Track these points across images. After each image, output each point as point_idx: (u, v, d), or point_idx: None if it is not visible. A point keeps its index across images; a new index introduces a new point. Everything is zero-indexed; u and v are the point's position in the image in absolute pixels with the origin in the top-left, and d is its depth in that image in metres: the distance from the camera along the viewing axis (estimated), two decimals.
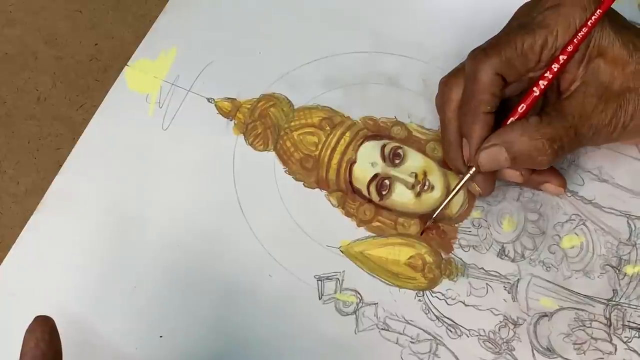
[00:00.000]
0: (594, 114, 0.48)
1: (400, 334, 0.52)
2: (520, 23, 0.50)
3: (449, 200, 0.53)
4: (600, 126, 0.49)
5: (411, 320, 0.52)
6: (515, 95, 0.52)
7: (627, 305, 0.51)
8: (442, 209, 0.54)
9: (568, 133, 0.48)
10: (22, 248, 0.57)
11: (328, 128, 0.59)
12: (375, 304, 0.53)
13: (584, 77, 0.49)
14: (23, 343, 0.43)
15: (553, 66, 0.49)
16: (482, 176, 0.52)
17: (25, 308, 0.50)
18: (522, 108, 0.50)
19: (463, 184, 0.53)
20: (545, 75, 0.49)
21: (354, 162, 0.57)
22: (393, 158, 0.57)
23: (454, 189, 0.53)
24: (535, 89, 0.50)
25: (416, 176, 0.56)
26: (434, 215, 0.54)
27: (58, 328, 0.44)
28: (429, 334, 0.52)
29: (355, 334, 0.52)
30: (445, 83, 0.53)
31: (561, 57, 0.49)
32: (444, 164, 0.56)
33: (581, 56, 0.49)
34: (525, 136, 0.48)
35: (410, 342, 0.52)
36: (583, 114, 0.48)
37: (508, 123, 0.50)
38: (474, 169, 0.51)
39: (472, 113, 0.50)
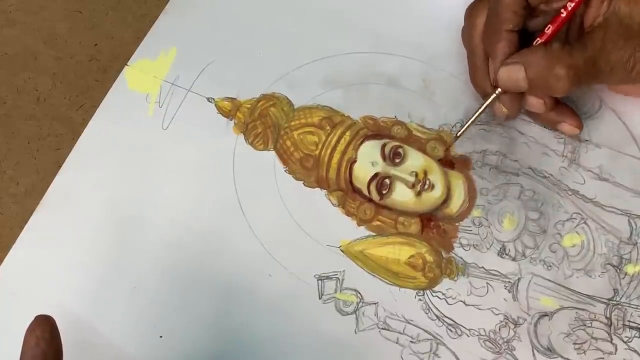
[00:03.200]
0: (613, 50, 0.49)
1: (401, 333, 0.52)
2: None
3: (474, 120, 0.54)
4: (619, 63, 0.49)
5: (411, 320, 0.52)
6: (539, 29, 0.53)
7: (627, 304, 0.51)
8: (467, 126, 0.54)
9: (586, 63, 0.49)
10: (22, 248, 0.57)
11: (328, 127, 0.59)
12: (375, 303, 0.53)
13: (606, 14, 0.50)
14: (24, 342, 0.43)
15: None
16: (508, 97, 0.53)
17: (25, 308, 0.50)
18: (548, 29, 0.51)
19: (490, 103, 0.53)
20: None
21: (354, 161, 0.57)
22: (393, 157, 0.57)
23: (479, 109, 0.54)
24: (563, 11, 0.51)
25: (416, 175, 0.56)
26: (459, 133, 0.55)
27: (58, 328, 0.44)
28: (429, 333, 0.52)
29: (356, 333, 0.52)
30: (471, 10, 0.55)
31: None
32: (444, 162, 0.56)
33: None
34: (545, 59, 0.49)
35: (411, 341, 0.52)
36: (603, 48, 0.49)
37: (534, 44, 0.52)
38: (499, 89, 0.52)
39: (496, 31, 0.52)
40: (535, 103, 0.53)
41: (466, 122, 0.54)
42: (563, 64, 0.49)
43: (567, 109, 0.55)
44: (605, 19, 0.50)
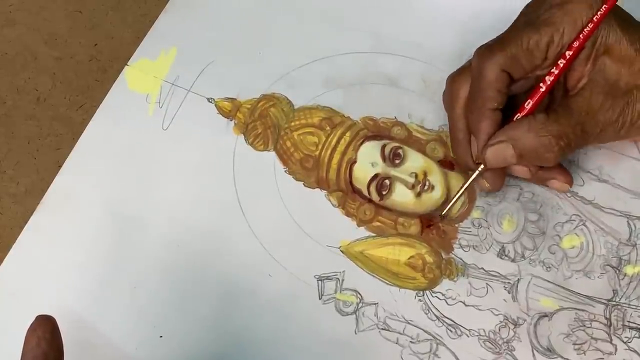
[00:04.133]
0: (601, 111, 0.48)
1: (401, 334, 0.52)
2: (526, 20, 0.50)
3: (458, 197, 0.53)
4: (608, 123, 0.48)
5: (411, 320, 0.52)
6: (522, 92, 0.52)
7: (627, 305, 0.51)
8: (450, 206, 0.53)
9: (575, 130, 0.48)
10: (22, 248, 0.57)
11: (328, 128, 0.59)
12: (375, 303, 0.53)
13: (590, 75, 0.49)
14: (25, 342, 0.43)
15: (559, 62, 0.49)
16: (491, 172, 0.52)
17: (25, 308, 0.50)
18: (528, 104, 0.50)
19: (472, 181, 0.52)
20: (552, 71, 0.49)
21: (354, 162, 0.57)
22: (393, 158, 0.57)
23: (462, 186, 0.53)
24: (541, 84, 0.50)
25: (416, 176, 0.56)
26: (443, 212, 0.54)
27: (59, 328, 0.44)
28: (429, 334, 0.52)
29: (356, 333, 0.52)
30: (453, 80, 0.53)
31: (567, 53, 0.49)
32: (444, 163, 0.56)
33: (588, 53, 0.49)
34: (532, 132, 0.48)
35: (411, 342, 0.52)
36: (590, 111, 0.48)
37: (515, 119, 0.50)
38: (482, 165, 0.51)
39: (479, 110, 0.50)
40: (520, 171, 0.52)
41: (450, 201, 0.53)
42: (551, 135, 0.48)
43: (556, 166, 0.53)
44: (590, 80, 0.49)
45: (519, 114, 0.50)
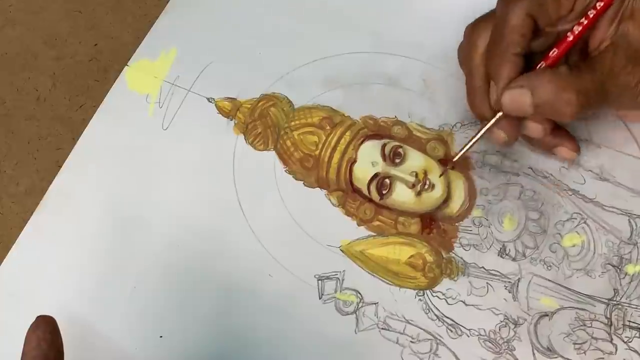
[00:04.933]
0: (622, 74, 0.47)
1: (401, 333, 0.52)
2: None
3: (473, 144, 0.52)
4: (627, 87, 0.48)
5: (411, 320, 0.52)
6: (540, 52, 0.51)
7: (627, 304, 0.51)
8: (465, 150, 0.53)
9: (595, 87, 0.47)
10: (22, 248, 0.57)
11: (328, 127, 0.59)
12: (375, 303, 0.53)
13: (613, 38, 0.48)
14: (25, 342, 0.43)
15: (589, 12, 0.48)
16: (507, 121, 0.51)
17: (25, 308, 0.50)
18: (553, 52, 0.49)
19: (489, 127, 0.51)
20: (581, 21, 0.49)
21: (354, 161, 0.57)
22: (393, 157, 0.57)
23: (477, 132, 0.52)
24: (569, 34, 0.49)
25: (417, 175, 0.56)
26: (458, 155, 0.53)
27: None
28: (430, 333, 0.52)
29: (356, 333, 0.52)
30: (472, 29, 0.53)
31: (598, 4, 0.48)
32: (444, 162, 0.56)
33: (613, 15, 0.48)
34: (553, 84, 0.47)
35: (411, 341, 0.52)
36: (612, 72, 0.47)
37: (538, 67, 0.50)
38: (500, 113, 0.50)
39: (502, 53, 0.49)
40: (534, 128, 0.51)
41: (463, 147, 0.53)
42: (572, 89, 0.47)
43: (564, 132, 0.54)
44: (613, 42, 0.48)
45: (542, 63, 0.50)
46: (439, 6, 0.63)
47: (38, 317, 0.45)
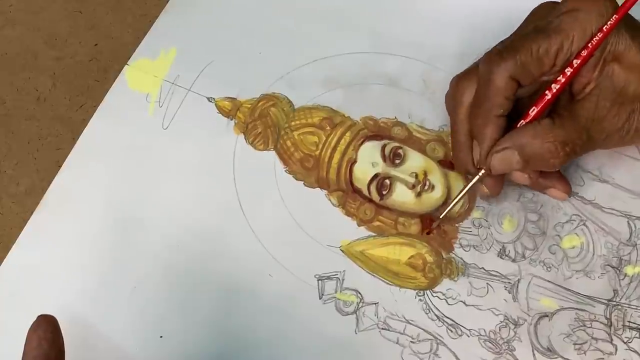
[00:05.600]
0: (607, 118, 0.48)
1: (401, 333, 0.52)
2: (536, 27, 0.49)
3: (457, 202, 0.53)
4: (613, 130, 0.48)
5: (412, 320, 0.52)
6: (526, 96, 0.51)
7: (627, 305, 0.51)
8: (449, 210, 0.53)
9: (580, 136, 0.48)
10: (22, 248, 0.57)
11: (328, 128, 0.59)
12: (375, 303, 0.53)
13: (598, 81, 0.48)
14: (26, 342, 0.43)
15: (566, 70, 0.48)
16: (491, 178, 0.52)
17: (25, 308, 0.50)
18: (533, 111, 0.49)
19: (472, 186, 0.52)
20: (559, 79, 0.49)
21: (355, 162, 0.57)
22: (393, 158, 0.57)
23: (461, 191, 0.52)
24: (547, 92, 0.49)
25: (416, 176, 0.56)
26: (441, 216, 0.54)
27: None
28: (430, 333, 0.52)
29: (356, 333, 0.52)
30: (457, 84, 0.53)
31: (575, 62, 0.48)
32: (444, 163, 0.56)
33: (596, 60, 0.48)
34: (538, 139, 0.48)
35: (411, 341, 0.52)
36: (596, 118, 0.48)
37: (519, 126, 0.50)
38: (483, 171, 0.51)
39: (485, 115, 0.50)
40: (520, 177, 0.52)
41: (449, 205, 0.53)
42: (557, 141, 0.48)
43: (554, 173, 0.54)
44: (597, 86, 0.48)
45: (522, 121, 0.50)
46: (439, 6, 0.63)
47: (39, 316, 0.45)
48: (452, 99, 0.53)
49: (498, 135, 0.50)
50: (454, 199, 0.53)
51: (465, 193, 0.52)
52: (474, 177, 0.52)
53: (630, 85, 0.48)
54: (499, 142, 0.49)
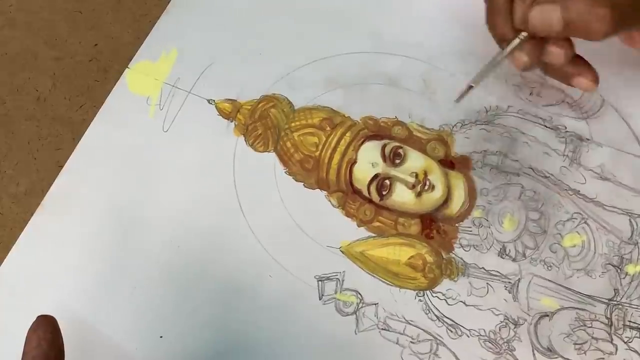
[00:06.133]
0: None
1: (401, 334, 0.52)
2: None
3: (493, 67, 0.50)
4: None
5: (411, 321, 0.52)
6: None
7: (628, 305, 0.51)
8: (487, 71, 0.50)
9: (631, 2, 0.45)
10: (22, 248, 0.57)
11: (328, 128, 0.59)
12: (375, 304, 0.53)
13: None
14: (26, 342, 0.43)
15: None
16: (531, 43, 0.49)
17: (25, 308, 0.50)
18: None
19: (512, 50, 0.49)
20: None
21: (355, 162, 0.57)
22: (393, 158, 0.57)
23: (498, 55, 0.50)
24: None
25: (417, 176, 0.56)
26: (476, 77, 0.50)
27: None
28: (430, 334, 0.52)
29: (356, 334, 0.52)
30: None
31: None
32: (444, 162, 0.56)
33: None
34: None
35: (411, 342, 0.52)
36: None
37: None
38: (524, 33, 0.48)
39: None
40: (556, 53, 0.49)
41: (482, 70, 0.50)
42: (606, 3, 0.44)
43: (583, 62, 0.51)
44: None
45: None
46: (439, 6, 0.63)
47: (39, 316, 0.45)
48: None
49: None
50: (490, 63, 0.50)
51: (503, 57, 0.49)
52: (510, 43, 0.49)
53: None
54: None
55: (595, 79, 0.51)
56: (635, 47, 0.53)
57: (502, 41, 0.50)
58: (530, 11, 0.47)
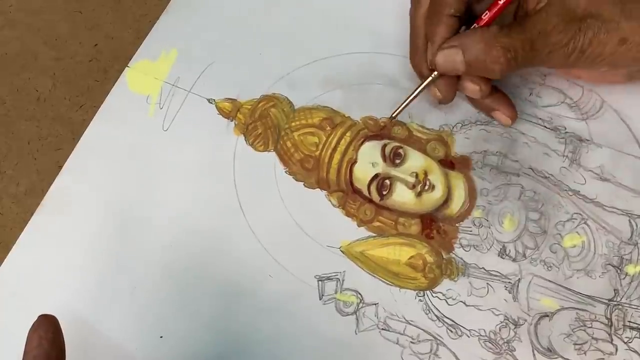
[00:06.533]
0: (553, 33, 0.49)
1: (401, 334, 0.52)
2: None
3: (411, 100, 0.55)
4: (558, 46, 0.49)
5: (412, 321, 0.52)
6: (483, 13, 0.53)
7: (628, 305, 0.51)
8: (403, 107, 0.56)
9: (524, 45, 0.49)
10: (22, 248, 0.57)
11: (328, 128, 0.59)
12: (375, 304, 0.53)
13: None
14: (27, 342, 0.43)
15: None
16: (444, 81, 0.54)
17: (25, 308, 0.50)
18: (485, 15, 0.52)
19: (424, 87, 0.54)
20: None
21: (355, 162, 0.57)
22: (394, 158, 0.57)
23: (415, 90, 0.55)
24: None
25: (417, 176, 0.56)
26: (393, 114, 0.56)
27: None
28: (430, 334, 0.52)
29: (356, 334, 0.52)
30: None
31: None
32: (444, 162, 0.56)
33: None
34: (482, 42, 0.49)
35: (411, 342, 0.52)
36: (542, 31, 0.49)
37: (471, 29, 0.52)
38: (436, 72, 0.53)
39: (437, 15, 0.52)
40: (471, 88, 0.53)
41: (400, 104, 0.55)
42: (500, 46, 0.49)
43: (503, 97, 0.56)
44: (548, 2, 0.49)
45: (475, 25, 0.52)
46: None
47: (40, 316, 0.45)
48: (412, 6, 0.55)
49: (449, 35, 0.52)
50: (408, 96, 0.55)
51: (418, 93, 0.55)
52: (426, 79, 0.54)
53: (580, 5, 0.48)
54: (447, 41, 0.51)
55: (512, 115, 0.57)
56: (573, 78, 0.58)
57: (421, 77, 0.56)
58: (436, 55, 0.52)
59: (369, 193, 0.56)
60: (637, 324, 0.51)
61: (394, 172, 0.56)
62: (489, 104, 0.56)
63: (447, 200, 0.55)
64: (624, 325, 0.51)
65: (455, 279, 0.53)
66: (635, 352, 0.50)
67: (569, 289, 0.52)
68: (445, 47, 0.51)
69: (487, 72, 0.51)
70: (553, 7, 0.49)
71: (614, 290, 0.52)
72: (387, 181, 0.56)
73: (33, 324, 0.44)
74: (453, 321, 0.52)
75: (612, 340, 0.50)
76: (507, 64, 0.49)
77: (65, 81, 0.64)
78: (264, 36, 0.64)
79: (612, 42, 0.49)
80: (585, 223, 0.54)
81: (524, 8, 0.53)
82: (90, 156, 0.60)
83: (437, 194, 0.56)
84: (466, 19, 0.53)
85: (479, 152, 0.56)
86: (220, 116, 0.61)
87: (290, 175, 0.58)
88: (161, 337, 0.53)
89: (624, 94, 0.57)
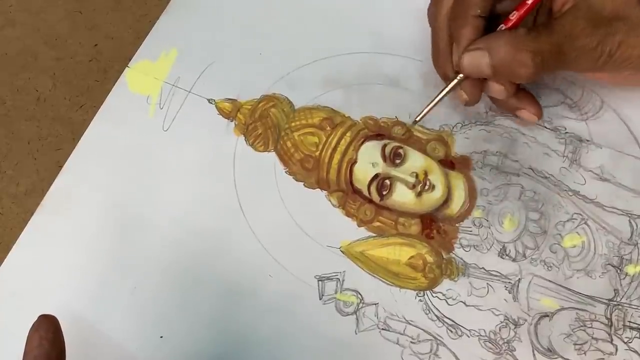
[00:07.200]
0: (581, 36, 0.48)
1: (401, 334, 0.52)
2: None
3: (435, 105, 0.53)
4: (586, 50, 0.48)
5: (412, 321, 0.52)
6: (508, 13, 0.51)
7: (628, 305, 0.51)
8: (428, 110, 0.53)
9: (552, 49, 0.48)
10: (22, 248, 0.57)
11: (329, 128, 0.59)
12: (375, 304, 0.53)
13: (575, 0, 0.49)
14: (27, 341, 0.43)
15: None
16: (470, 83, 0.52)
17: (25, 308, 0.50)
18: (513, 15, 0.50)
19: (450, 90, 0.52)
20: None
21: (355, 162, 0.57)
22: (394, 158, 0.57)
23: (440, 93, 0.52)
24: None
25: (417, 176, 0.56)
26: (417, 118, 0.53)
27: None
28: (430, 334, 0.52)
29: (356, 334, 0.52)
30: None
31: None
32: (444, 162, 0.56)
33: None
34: (510, 45, 0.48)
35: (411, 342, 0.52)
36: (570, 34, 0.48)
37: (497, 30, 0.51)
38: (461, 75, 0.51)
39: (463, 16, 0.51)
40: (496, 89, 0.52)
41: (426, 106, 0.53)
42: (528, 50, 0.48)
43: (528, 95, 0.55)
44: (574, 5, 0.49)
45: (502, 25, 0.50)
46: None
47: (40, 316, 0.45)
48: (433, 6, 0.54)
49: (475, 36, 0.50)
50: (432, 101, 0.53)
51: (444, 96, 0.52)
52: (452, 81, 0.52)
53: (606, 8, 0.48)
54: (473, 43, 0.50)
55: (538, 112, 0.55)
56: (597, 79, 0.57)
57: (445, 79, 0.54)
58: (462, 58, 0.50)
59: (369, 193, 0.56)
60: (637, 324, 0.50)
61: (394, 172, 0.56)
62: (514, 104, 0.55)
63: (447, 200, 0.55)
64: (624, 325, 0.51)
65: (455, 279, 0.53)
66: (635, 352, 0.50)
67: (569, 289, 0.52)
68: (471, 49, 0.50)
69: (514, 76, 0.50)
70: (580, 9, 0.48)
71: (614, 290, 0.52)
72: (387, 181, 0.56)
73: (33, 324, 0.44)
74: (453, 321, 0.52)
75: (612, 340, 0.50)
76: (536, 68, 0.48)
77: (65, 81, 0.64)
78: (264, 36, 0.64)
79: None
80: (585, 223, 0.54)
81: (546, 7, 0.52)
82: (91, 156, 0.60)
83: (437, 194, 0.56)
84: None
85: (479, 152, 0.56)
86: (220, 116, 0.61)
87: (290, 175, 0.58)
88: (161, 337, 0.53)
89: (624, 95, 0.57)
